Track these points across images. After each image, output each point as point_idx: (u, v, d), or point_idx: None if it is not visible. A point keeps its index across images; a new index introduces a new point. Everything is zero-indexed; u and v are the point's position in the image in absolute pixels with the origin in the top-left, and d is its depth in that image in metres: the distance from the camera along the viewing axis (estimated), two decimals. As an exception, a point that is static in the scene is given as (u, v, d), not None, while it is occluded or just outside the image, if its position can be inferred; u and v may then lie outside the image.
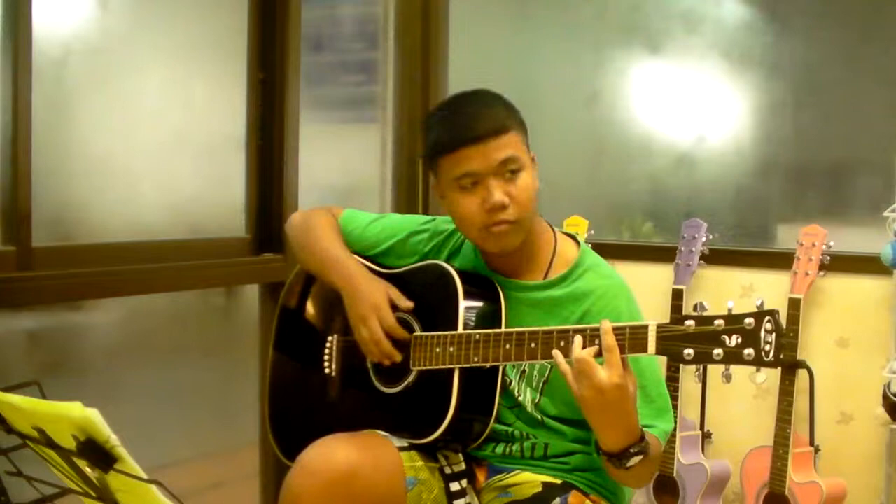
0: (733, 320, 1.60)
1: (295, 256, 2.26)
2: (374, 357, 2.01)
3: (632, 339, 1.67)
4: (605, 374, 1.66)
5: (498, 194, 1.88)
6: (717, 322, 1.60)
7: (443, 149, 1.92)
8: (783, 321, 1.62)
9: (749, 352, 1.58)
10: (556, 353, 1.73)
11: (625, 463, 1.73)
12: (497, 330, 1.90)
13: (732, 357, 1.59)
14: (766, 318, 1.58)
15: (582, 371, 1.68)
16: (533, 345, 1.80)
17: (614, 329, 1.69)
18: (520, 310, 1.98)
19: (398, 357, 1.99)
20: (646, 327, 1.66)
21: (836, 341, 3.06)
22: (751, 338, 1.58)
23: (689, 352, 1.62)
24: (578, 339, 1.71)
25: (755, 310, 1.59)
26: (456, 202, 1.93)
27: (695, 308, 1.66)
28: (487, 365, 1.89)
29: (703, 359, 1.61)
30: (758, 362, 1.58)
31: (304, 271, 2.25)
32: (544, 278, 1.99)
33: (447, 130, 1.92)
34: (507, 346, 1.84)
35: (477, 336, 1.88)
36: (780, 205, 3.43)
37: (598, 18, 3.67)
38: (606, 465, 1.80)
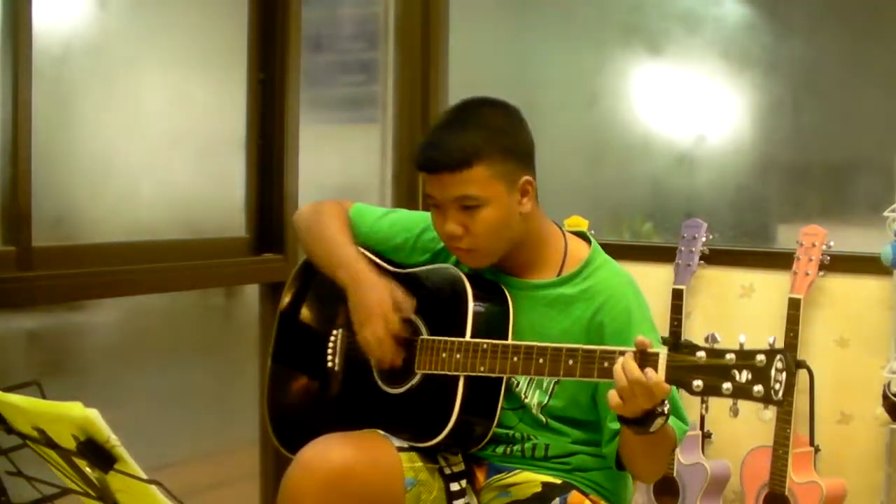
0: (745, 356, 1.59)
1: (302, 247, 2.25)
2: (374, 358, 2.00)
3: (641, 366, 1.66)
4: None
5: (449, 225, 1.91)
6: (728, 356, 1.60)
7: (415, 165, 1.96)
8: (794, 361, 1.62)
9: (759, 389, 1.57)
10: (617, 368, 1.67)
11: (648, 427, 1.70)
12: (506, 342, 1.89)
13: (741, 392, 1.59)
14: (778, 356, 1.58)
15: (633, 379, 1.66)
16: (541, 360, 1.80)
17: (624, 353, 1.69)
18: (532, 308, 1.97)
19: (399, 361, 1.98)
20: (657, 354, 1.66)
21: (836, 341, 3.06)
22: (761, 375, 1.57)
23: (698, 383, 1.61)
24: (630, 357, 1.68)
25: (767, 346, 1.59)
26: (430, 213, 1.98)
27: (707, 339, 1.65)
28: (493, 375, 1.88)
29: (711, 392, 1.61)
30: (766, 400, 1.58)
31: (311, 262, 2.23)
32: (557, 277, 1.98)
33: (420, 150, 1.94)
34: (515, 359, 1.84)
35: (485, 346, 1.87)
36: (780, 205, 3.43)
37: (599, 18, 3.66)
38: (630, 441, 1.79)
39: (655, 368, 1.64)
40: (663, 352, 1.66)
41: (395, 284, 2.03)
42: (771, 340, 1.61)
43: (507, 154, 1.91)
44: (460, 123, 1.92)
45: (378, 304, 1.98)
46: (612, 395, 1.67)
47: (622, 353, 1.69)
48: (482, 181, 1.88)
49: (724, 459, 3.14)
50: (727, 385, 1.59)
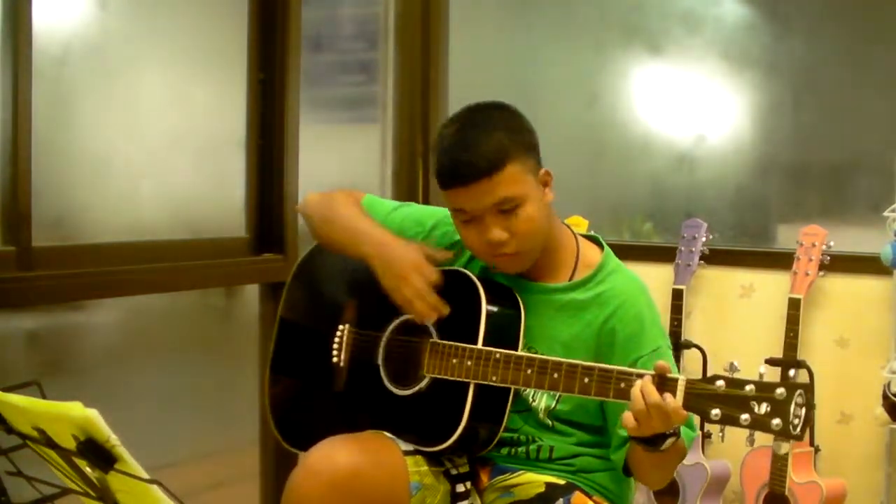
0: (765, 388, 1.58)
1: (315, 232, 2.18)
2: (419, 314, 1.93)
3: (659, 390, 1.65)
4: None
5: (494, 233, 1.86)
6: (748, 387, 1.59)
7: (439, 182, 1.90)
8: (814, 396, 1.62)
9: (777, 422, 1.57)
10: (636, 390, 1.66)
11: (659, 446, 1.70)
12: (519, 353, 1.88)
13: (759, 424, 1.58)
14: (798, 391, 1.57)
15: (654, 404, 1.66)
16: (556, 375, 1.79)
17: (642, 375, 1.68)
18: (543, 312, 1.96)
19: (446, 310, 1.93)
20: (676, 380, 1.65)
21: (836, 341, 3.06)
22: (780, 408, 1.57)
23: (716, 412, 1.61)
24: (648, 380, 1.67)
25: (788, 380, 1.58)
26: (459, 230, 1.94)
27: (726, 368, 1.65)
28: (505, 385, 1.87)
29: (729, 421, 1.61)
30: (784, 434, 1.57)
31: (318, 253, 2.20)
32: (569, 280, 1.97)
33: (442, 165, 1.88)
34: (529, 372, 1.82)
35: (497, 355, 1.86)
36: (780, 205, 3.43)
37: (599, 19, 3.67)
38: (639, 454, 1.79)
39: (674, 394, 1.64)
40: (682, 378, 1.65)
41: (421, 241, 1.99)
42: (791, 374, 1.60)
43: (528, 149, 1.90)
44: (476, 128, 1.88)
45: (409, 261, 1.93)
46: (628, 417, 1.67)
47: (640, 376, 1.69)
48: (516, 179, 1.85)
49: (724, 459, 3.14)
50: (745, 416, 1.59)
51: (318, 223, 2.15)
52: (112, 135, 2.58)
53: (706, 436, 3.16)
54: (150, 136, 2.68)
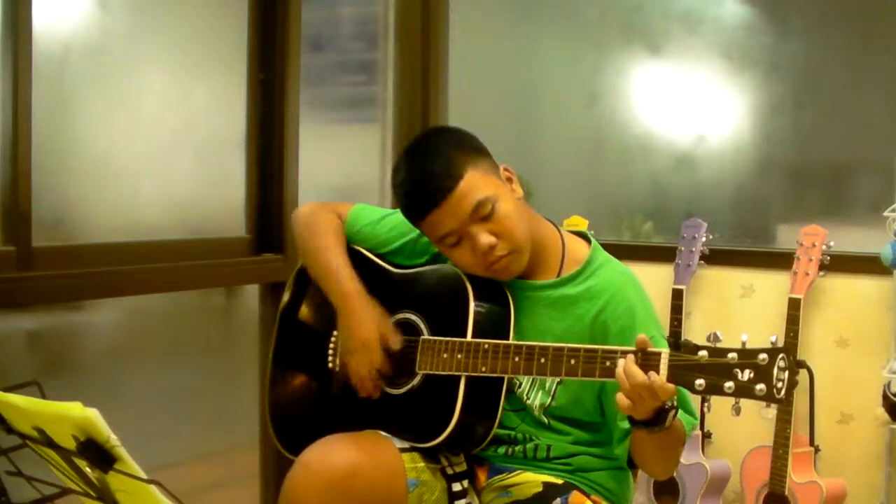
0: (747, 354, 1.59)
1: (299, 253, 2.24)
2: (358, 388, 2.02)
3: (643, 366, 1.66)
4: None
5: (483, 239, 1.88)
6: (730, 355, 1.60)
7: (413, 217, 1.95)
8: (796, 360, 1.63)
9: (761, 387, 1.57)
10: (620, 372, 1.68)
11: (662, 423, 1.70)
12: (507, 342, 1.90)
13: (743, 391, 1.59)
14: (780, 355, 1.57)
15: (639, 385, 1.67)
16: (542, 360, 1.80)
17: (626, 353, 1.69)
18: (534, 310, 1.97)
19: (376, 395, 2.01)
20: (659, 354, 1.66)
21: (836, 341, 3.06)
22: (763, 373, 1.57)
23: (700, 382, 1.61)
24: (631, 360, 1.68)
25: (769, 345, 1.59)
26: (450, 256, 1.96)
27: (709, 338, 1.66)
28: (495, 375, 1.89)
29: (714, 390, 1.61)
30: (769, 398, 1.57)
31: None
32: (557, 277, 1.99)
33: (409, 199, 1.93)
34: (517, 359, 1.84)
35: (486, 346, 1.88)
36: (780, 205, 3.43)
37: (599, 19, 3.67)
38: (642, 442, 1.79)
39: (657, 369, 1.64)
40: (665, 351, 1.66)
41: (384, 317, 2.03)
42: (773, 339, 1.61)
43: (479, 153, 1.94)
44: (426, 156, 1.93)
45: (364, 340, 2.00)
46: (621, 399, 1.68)
47: (624, 354, 1.69)
48: (481, 181, 1.89)
49: (724, 459, 3.14)
50: (729, 384, 1.59)
51: (300, 250, 2.22)
52: (112, 135, 2.58)
53: (706, 436, 3.16)
54: (150, 136, 2.68)
